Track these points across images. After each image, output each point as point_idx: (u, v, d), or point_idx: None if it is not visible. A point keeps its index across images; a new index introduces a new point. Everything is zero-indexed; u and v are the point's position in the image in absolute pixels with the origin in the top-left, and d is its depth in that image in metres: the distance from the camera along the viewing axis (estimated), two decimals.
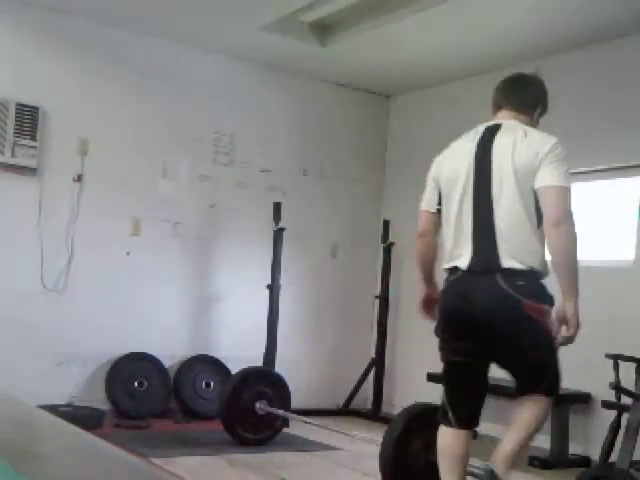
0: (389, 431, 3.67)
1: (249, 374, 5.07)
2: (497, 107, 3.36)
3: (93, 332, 5.63)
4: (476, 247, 3.02)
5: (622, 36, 5.16)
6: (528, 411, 3.10)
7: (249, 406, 4.91)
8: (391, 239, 6.50)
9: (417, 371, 6.09)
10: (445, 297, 3.17)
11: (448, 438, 3.16)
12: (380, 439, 3.73)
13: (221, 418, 4.96)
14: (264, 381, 5.05)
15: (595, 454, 4.61)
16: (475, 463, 3.72)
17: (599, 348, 4.73)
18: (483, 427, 5.66)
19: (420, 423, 3.69)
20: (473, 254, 3.03)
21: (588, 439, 5.01)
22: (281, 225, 5.90)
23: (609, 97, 5.26)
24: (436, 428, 3.22)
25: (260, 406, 4.92)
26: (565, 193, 2.94)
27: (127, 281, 5.81)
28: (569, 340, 3.09)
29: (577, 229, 3.04)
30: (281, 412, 4.89)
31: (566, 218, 2.96)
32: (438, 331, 3.27)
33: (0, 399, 2.16)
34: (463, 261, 3.05)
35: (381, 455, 3.67)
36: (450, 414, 3.14)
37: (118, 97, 5.83)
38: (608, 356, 4.36)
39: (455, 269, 3.08)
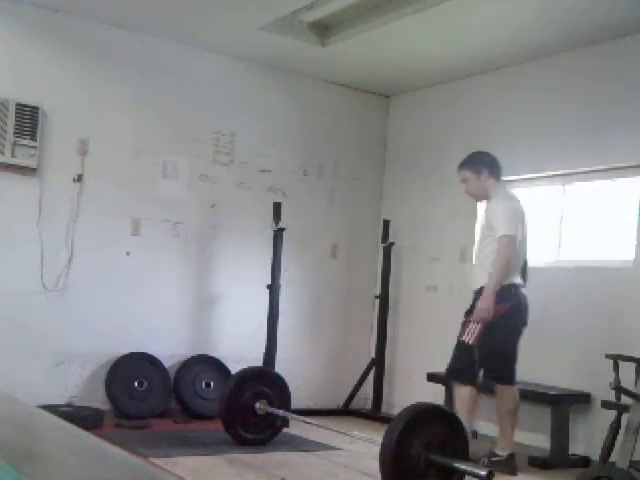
0: (389, 431, 3.67)
1: (249, 374, 5.07)
2: (500, 176, 4.86)
3: (93, 332, 5.63)
4: (522, 272, 4.76)
5: (622, 36, 5.15)
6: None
7: (249, 406, 4.91)
8: (391, 239, 6.50)
9: (417, 371, 6.10)
10: (520, 300, 4.62)
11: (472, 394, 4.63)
12: (380, 439, 3.73)
13: (221, 418, 4.96)
14: (264, 381, 5.05)
15: (595, 454, 4.62)
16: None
17: (599, 348, 4.73)
18: (483, 427, 5.66)
19: (420, 423, 3.69)
20: (521, 275, 4.73)
21: (588, 439, 5.01)
22: (281, 225, 5.90)
23: (609, 97, 5.26)
24: (436, 428, 3.71)
25: (260, 406, 4.92)
26: None
27: (127, 281, 5.81)
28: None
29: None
30: (281, 412, 4.88)
31: None
32: (516, 319, 4.63)
33: (0, 399, 2.16)
34: (519, 279, 4.67)
35: (381, 455, 3.67)
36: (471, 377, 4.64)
37: (118, 97, 5.83)
38: (608, 356, 4.37)
39: (515, 284, 4.62)
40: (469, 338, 4.52)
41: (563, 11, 4.94)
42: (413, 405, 3.88)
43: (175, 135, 6.03)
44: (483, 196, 4.89)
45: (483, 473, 3.51)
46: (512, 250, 4.56)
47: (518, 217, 4.67)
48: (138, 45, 5.88)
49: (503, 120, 5.96)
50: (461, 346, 4.61)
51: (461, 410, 4.51)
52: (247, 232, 6.25)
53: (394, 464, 3.59)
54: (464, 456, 3.73)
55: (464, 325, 4.61)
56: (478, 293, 4.63)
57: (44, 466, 1.47)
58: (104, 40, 5.75)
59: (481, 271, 4.69)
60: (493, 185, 4.79)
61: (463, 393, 4.61)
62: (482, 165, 4.79)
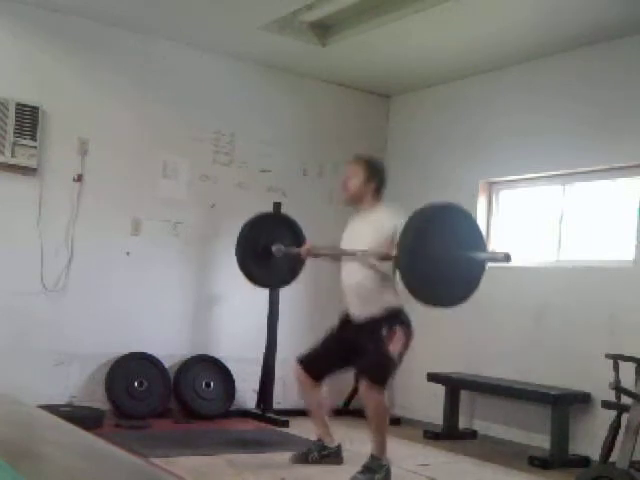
0: (403, 234, 3.81)
1: (259, 220, 5.17)
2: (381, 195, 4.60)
3: (93, 332, 5.63)
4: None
5: (622, 36, 5.16)
6: None
7: (265, 250, 4.97)
8: None
9: (417, 371, 6.09)
10: None
11: None
12: None
13: (240, 265, 5.07)
14: (277, 225, 5.14)
15: (595, 454, 4.61)
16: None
17: (599, 348, 4.73)
18: (484, 427, 5.66)
19: (437, 221, 3.88)
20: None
21: (588, 439, 5.01)
22: None
23: (609, 97, 5.26)
24: (451, 223, 3.89)
25: (276, 248, 4.96)
26: None
27: (127, 281, 5.81)
28: None
29: None
30: (297, 250, 4.85)
31: None
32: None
33: (0, 399, 2.16)
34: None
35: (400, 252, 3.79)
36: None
37: (118, 97, 5.83)
38: (608, 356, 4.36)
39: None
40: (395, 349, 4.24)
41: (562, 11, 4.94)
42: (423, 208, 3.95)
43: (175, 135, 6.03)
44: (357, 200, 4.47)
45: (501, 255, 3.73)
46: None
47: None
48: (138, 45, 5.88)
49: (503, 120, 5.96)
50: (392, 356, 4.27)
51: (386, 418, 4.37)
52: None
53: (411, 262, 3.77)
54: (483, 248, 3.95)
55: (387, 337, 4.22)
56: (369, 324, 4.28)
57: (43, 466, 1.46)
58: (104, 40, 5.75)
59: (372, 300, 4.30)
60: (376, 197, 4.49)
61: (386, 400, 4.36)
62: (376, 175, 4.47)
